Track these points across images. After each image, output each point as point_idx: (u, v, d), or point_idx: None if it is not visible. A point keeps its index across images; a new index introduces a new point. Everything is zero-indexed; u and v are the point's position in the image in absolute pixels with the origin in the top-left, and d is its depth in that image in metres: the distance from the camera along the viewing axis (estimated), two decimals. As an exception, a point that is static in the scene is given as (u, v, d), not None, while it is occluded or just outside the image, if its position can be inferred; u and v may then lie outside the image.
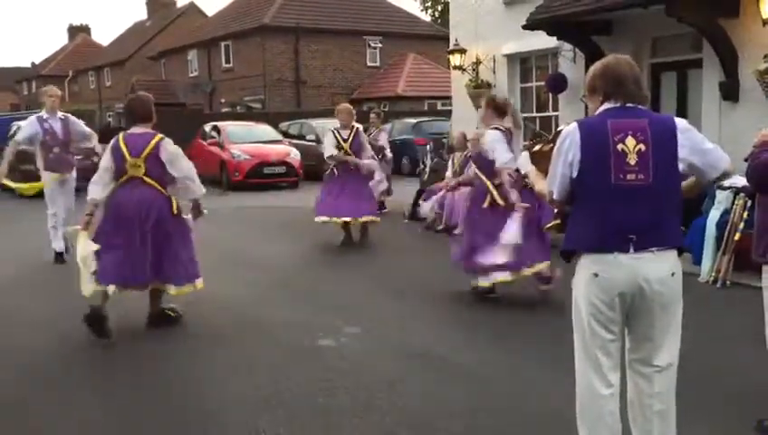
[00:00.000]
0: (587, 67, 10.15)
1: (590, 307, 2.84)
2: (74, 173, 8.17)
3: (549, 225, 8.63)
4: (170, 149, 5.28)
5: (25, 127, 8.01)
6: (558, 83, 10.50)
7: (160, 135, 5.32)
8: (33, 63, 59.33)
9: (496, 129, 5.95)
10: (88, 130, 8.32)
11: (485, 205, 6.13)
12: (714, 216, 7.03)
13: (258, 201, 14.30)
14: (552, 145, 2.98)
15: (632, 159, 2.74)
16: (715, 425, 3.71)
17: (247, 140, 17.74)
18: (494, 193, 6.05)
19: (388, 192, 11.93)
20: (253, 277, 7.45)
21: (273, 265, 8.07)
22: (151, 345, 5.25)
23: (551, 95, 11.27)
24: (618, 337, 2.87)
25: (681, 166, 2.80)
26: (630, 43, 9.44)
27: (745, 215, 6.78)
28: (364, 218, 8.88)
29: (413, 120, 20.87)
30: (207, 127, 18.91)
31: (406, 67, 29.99)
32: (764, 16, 7.66)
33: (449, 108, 23.92)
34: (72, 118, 8.25)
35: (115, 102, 41.39)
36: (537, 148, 3.40)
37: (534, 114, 11.81)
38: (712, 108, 8.56)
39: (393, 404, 4.07)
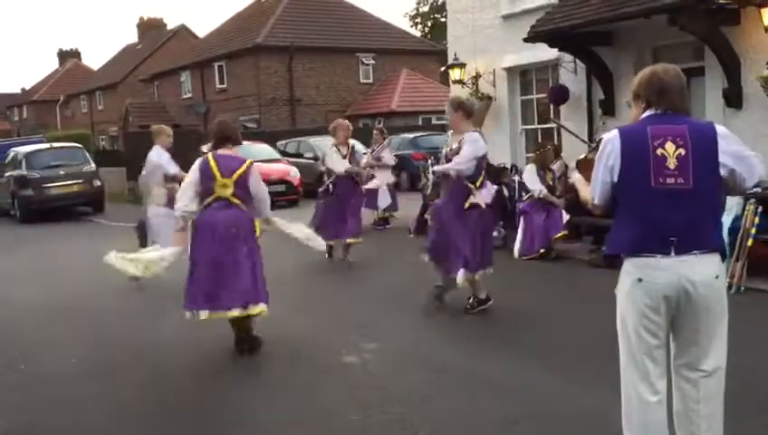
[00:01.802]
0: (588, 78, 10.37)
1: (635, 313, 2.84)
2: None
3: (557, 235, 8.71)
4: (257, 174, 5.42)
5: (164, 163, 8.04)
6: (560, 95, 10.57)
7: (251, 160, 5.44)
8: (23, 89, 59.26)
9: (477, 132, 6.19)
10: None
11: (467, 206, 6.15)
12: (725, 221, 7.06)
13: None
14: (594, 156, 3.02)
15: (672, 164, 2.77)
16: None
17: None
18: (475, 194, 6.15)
19: (394, 208, 11.94)
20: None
21: (283, 283, 8.02)
22: (175, 368, 5.23)
23: (551, 106, 11.33)
24: (663, 343, 2.88)
25: (722, 171, 2.82)
26: (632, 53, 9.53)
27: (756, 220, 6.83)
28: (349, 240, 8.94)
29: (410, 136, 20.95)
30: (205, 148, 18.87)
31: (399, 83, 30.13)
32: (766, 24, 7.75)
33: (443, 122, 24.14)
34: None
35: (108, 126, 41.38)
36: (583, 157, 3.44)
37: (536, 126, 11.87)
38: (715, 115, 8.62)
39: (427, 418, 4.05)
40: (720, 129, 2.88)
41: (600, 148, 2.93)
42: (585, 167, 3.23)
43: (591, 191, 2.98)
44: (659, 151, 2.78)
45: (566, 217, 8.67)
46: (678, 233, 2.77)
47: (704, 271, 2.80)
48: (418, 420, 4.05)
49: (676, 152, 2.78)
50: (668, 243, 2.77)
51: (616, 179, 2.86)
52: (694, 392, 2.89)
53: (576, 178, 3.41)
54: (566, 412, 4.05)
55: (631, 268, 2.86)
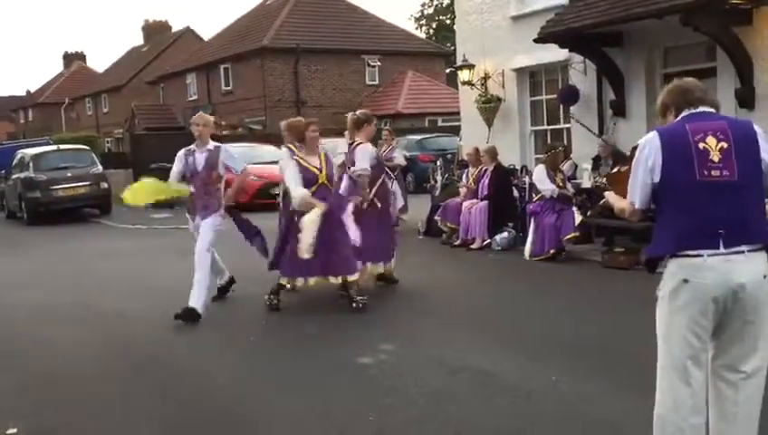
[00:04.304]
0: (598, 79, 10.35)
1: (682, 316, 2.78)
2: (213, 219, 6.59)
3: (568, 236, 8.67)
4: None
5: (175, 162, 6.74)
6: (570, 96, 10.54)
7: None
8: (28, 92, 59.37)
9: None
10: (238, 165, 6.78)
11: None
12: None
13: (270, 222, 14.22)
14: (628, 167, 2.99)
15: (715, 157, 2.75)
16: None
17: (252, 161, 17.68)
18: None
19: (405, 210, 11.90)
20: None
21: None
22: (190, 369, 5.22)
23: (561, 107, 11.30)
24: (707, 346, 2.83)
25: (762, 167, 2.80)
26: (643, 54, 9.50)
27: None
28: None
29: (417, 137, 20.93)
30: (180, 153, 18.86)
31: (405, 84, 30.15)
32: (779, 23, 7.72)
33: (450, 124, 24.15)
34: (225, 149, 6.72)
35: (113, 128, 41.45)
36: (614, 170, 3.43)
37: (546, 127, 11.84)
38: (728, 115, 8.59)
39: (446, 420, 4.02)
40: (757, 127, 2.87)
41: (638, 150, 2.89)
42: (617, 180, 3.20)
43: (631, 196, 2.93)
44: (701, 145, 2.76)
45: (578, 218, 8.64)
46: (726, 226, 2.73)
47: (752, 271, 2.74)
48: (436, 421, 4.01)
49: (719, 145, 2.76)
50: (717, 236, 2.72)
51: (657, 179, 2.83)
52: (732, 394, 2.84)
53: (607, 195, 3.37)
54: (586, 416, 4.01)
55: (676, 269, 2.80)
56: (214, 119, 7.30)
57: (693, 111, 2.88)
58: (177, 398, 4.60)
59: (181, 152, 6.74)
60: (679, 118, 2.91)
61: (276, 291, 6.69)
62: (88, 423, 4.27)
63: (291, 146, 6.80)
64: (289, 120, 7.58)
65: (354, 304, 6.49)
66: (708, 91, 2.95)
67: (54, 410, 4.49)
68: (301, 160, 6.49)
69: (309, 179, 6.42)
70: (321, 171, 6.49)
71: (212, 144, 6.69)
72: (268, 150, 19.17)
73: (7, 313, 7.31)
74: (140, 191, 6.82)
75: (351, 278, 6.53)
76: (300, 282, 6.58)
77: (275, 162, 18.61)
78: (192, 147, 6.71)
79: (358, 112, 7.56)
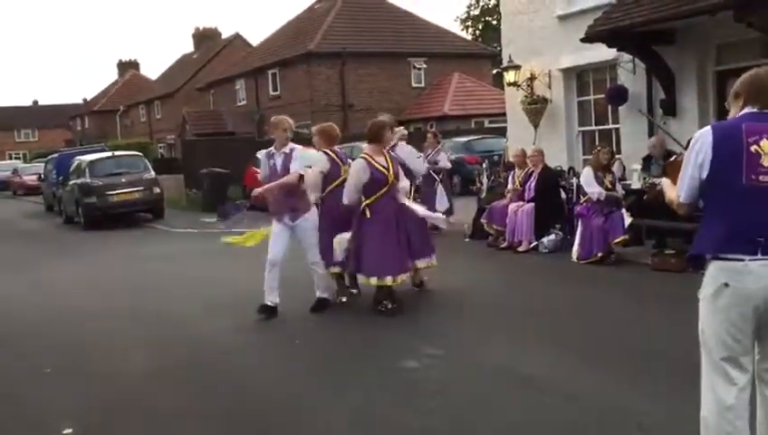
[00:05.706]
0: (648, 78, 10.15)
1: (721, 319, 2.74)
2: (306, 218, 6.76)
3: (617, 239, 8.52)
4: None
5: (261, 166, 6.99)
6: (619, 96, 10.35)
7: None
8: (84, 100, 61.24)
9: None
10: (295, 166, 6.66)
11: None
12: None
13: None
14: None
15: (766, 161, 2.68)
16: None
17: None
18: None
19: (450, 212, 11.86)
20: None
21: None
22: (237, 370, 5.31)
23: (609, 108, 11.11)
24: (749, 350, 2.78)
25: None
26: (694, 52, 9.28)
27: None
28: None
29: (463, 139, 20.82)
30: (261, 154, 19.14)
31: (451, 86, 30.04)
32: (838, 17, 7.45)
33: (496, 125, 23.97)
34: (296, 152, 6.74)
35: (166, 134, 42.39)
36: (672, 159, 3.38)
37: (593, 127, 11.65)
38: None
39: (491, 424, 4.00)
40: None
41: (691, 144, 2.85)
42: (673, 169, 3.16)
43: (678, 189, 2.90)
44: (753, 148, 2.70)
45: (627, 220, 8.47)
46: (767, 233, 2.67)
47: None
48: (480, 426, 4.00)
49: None
50: (756, 243, 2.67)
51: (705, 176, 2.78)
52: None
53: (663, 181, 3.33)
54: (632, 422, 3.94)
55: (717, 272, 2.76)
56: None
57: (755, 110, 2.79)
58: (223, 398, 4.68)
59: (263, 155, 6.96)
60: (740, 114, 2.83)
61: (380, 297, 6.61)
62: (140, 424, 4.38)
63: (328, 150, 7.05)
64: (321, 125, 7.71)
65: (381, 307, 6.57)
66: None
67: (109, 411, 4.62)
68: (371, 160, 6.53)
69: (379, 180, 6.47)
70: (388, 171, 6.54)
71: (288, 147, 6.76)
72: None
73: (66, 315, 7.55)
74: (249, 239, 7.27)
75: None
76: (389, 280, 6.46)
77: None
78: (272, 149, 6.87)
79: (385, 116, 7.83)
